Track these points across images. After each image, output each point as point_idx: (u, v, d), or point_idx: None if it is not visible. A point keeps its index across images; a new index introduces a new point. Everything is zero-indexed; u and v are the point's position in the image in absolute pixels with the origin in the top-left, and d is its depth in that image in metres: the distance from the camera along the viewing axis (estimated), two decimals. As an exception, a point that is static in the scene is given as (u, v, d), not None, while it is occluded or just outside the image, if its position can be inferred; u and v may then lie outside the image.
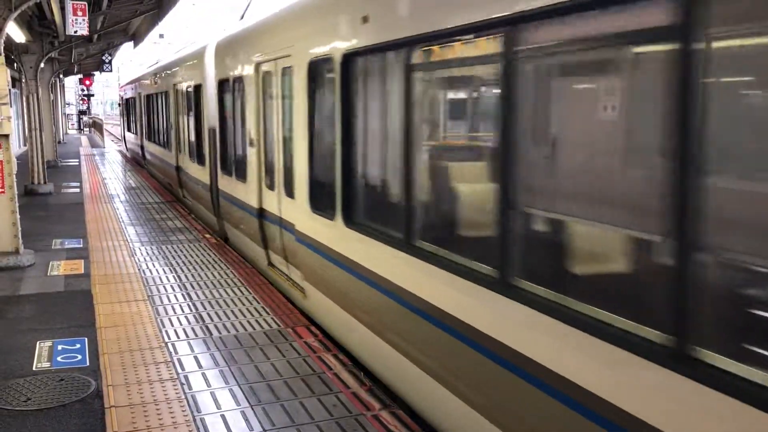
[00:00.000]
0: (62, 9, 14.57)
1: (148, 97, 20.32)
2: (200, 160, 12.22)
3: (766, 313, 2.48)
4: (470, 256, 4.04)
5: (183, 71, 13.96)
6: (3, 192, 9.12)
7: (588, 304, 3.12)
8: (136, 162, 25.97)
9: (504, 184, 3.59)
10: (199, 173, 12.46)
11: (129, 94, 27.40)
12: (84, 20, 14.45)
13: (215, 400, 4.91)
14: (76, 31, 14.66)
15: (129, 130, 28.29)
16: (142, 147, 22.77)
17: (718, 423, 2.46)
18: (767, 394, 2.26)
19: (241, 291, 7.78)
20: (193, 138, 12.96)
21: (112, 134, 55.04)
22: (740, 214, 2.58)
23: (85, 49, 25.52)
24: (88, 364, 5.66)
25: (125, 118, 30.25)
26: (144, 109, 21.56)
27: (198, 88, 12.07)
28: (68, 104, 59.39)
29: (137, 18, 21.20)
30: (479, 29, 3.78)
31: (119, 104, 35.84)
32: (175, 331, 6.41)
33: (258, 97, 8.29)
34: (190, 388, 5.13)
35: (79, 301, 7.46)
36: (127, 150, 30.51)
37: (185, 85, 13.56)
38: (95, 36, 22.37)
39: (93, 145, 37.05)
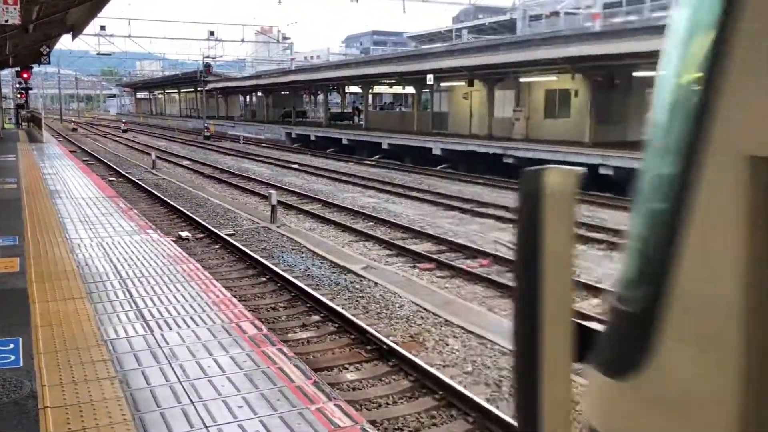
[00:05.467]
0: (-7, -3, 14.04)
1: None
2: None
3: None
4: None
5: None
6: (-70, 188, 8.74)
7: None
8: None
9: None
10: None
11: None
12: (16, 9, 13.93)
13: (155, 398, 4.80)
14: (7, 21, 14.14)
15: None
16: None
17: None
18: None
19: (183, 287, 7.63)
20: None
21: (51, 128, 54.35)
22: None
23: (19, 40, 24.65)
24: (22, 364, 5.45)
25: None
26: None
27: None
28: (5, 98, 57.18)
29: (75, 8, 20.57)
30: None
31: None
32: (115, 329, 6.25)
33: None
34: (129, 386, 5.00)
35: (13, 299, 7.19)
36: None
37: None
38: (30, 27, 21.60)
39: (32, 140, 35.82)
